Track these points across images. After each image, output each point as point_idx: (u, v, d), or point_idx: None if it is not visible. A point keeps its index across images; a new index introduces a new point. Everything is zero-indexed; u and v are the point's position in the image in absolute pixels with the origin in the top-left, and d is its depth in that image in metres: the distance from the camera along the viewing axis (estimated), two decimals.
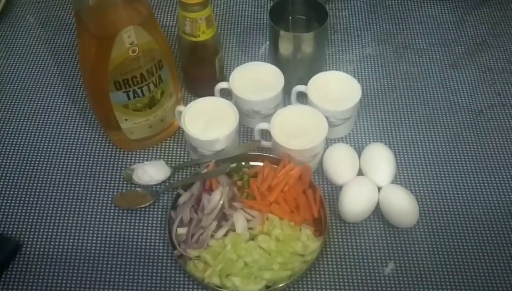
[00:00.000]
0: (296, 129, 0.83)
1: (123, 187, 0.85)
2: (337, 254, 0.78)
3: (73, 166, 0.88)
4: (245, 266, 0.73)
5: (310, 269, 0.76)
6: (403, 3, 1.11)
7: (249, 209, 0.78)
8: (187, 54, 0.90)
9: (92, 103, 0.86)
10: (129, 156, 0.89)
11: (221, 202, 0.78)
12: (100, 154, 0.89)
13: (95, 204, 0.83)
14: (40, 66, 1.01)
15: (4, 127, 0.92)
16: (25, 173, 0.87)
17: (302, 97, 0.91)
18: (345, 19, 1.09)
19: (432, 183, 0.85)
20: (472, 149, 0.89)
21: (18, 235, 0.80)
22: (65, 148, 0.90)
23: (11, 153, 0.89)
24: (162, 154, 0.89)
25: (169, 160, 0.88)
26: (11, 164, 0.88)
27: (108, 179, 0.86)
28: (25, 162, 0.88)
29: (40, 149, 0.90)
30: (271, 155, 0.84)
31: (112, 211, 0.83)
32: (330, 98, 0.86)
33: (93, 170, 0.87)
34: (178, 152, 0.89)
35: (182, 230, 0.78)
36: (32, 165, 0.88)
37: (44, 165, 0.88)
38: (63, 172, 0.87)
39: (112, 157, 0.88)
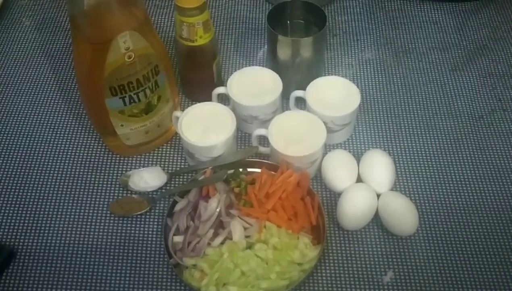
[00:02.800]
0: (294, 135, 0.82)
1: (119, 194, 0.84)
2: (336, 262, 0.77)
3: (68, 172, 0.87)
4: (242, 275, 0.72)
5: (308, 278, 0.75)
6: (402, 7, 1.11)
7: (247, 217, 0.77)
8: (184, 59, 0.89)
9: (88, 108, 0.85)
10: (125, 162, 0.88)
11: (218, 210, 0.77)
12: (96, 160, 0.88)
13: (91, 211, 0.82)
14: (35, 70, 1.00)
15: None
16: (20, 178, 0.86)
17: (301, 103, 0.90)
18: (344, 23, 1.08)
19: (432, 190, 0.84)
20: (472, 155, 0.88)
21: (12, 242, 0.79)
22: (60, 153, 0.89)
23: (5, 158, 0.88)
24: (159, 160, 0.88)
25: (166, 166, 0.87)
26: (5, 169, 0.87)
27: (104, 185, 0.85)
28: (19, 167, 0.87)
29: (35, 154, 0.89)
30: (269, 161, 0.83)
31: (107, 218, 0.82)
32: (328, 103, 0.85)
33: (89, 176, 0.86)
34: (175, 158, 0.88)
35: (178, 238, 0.77)
36: (26, 170, 0.87)
37: (39, 171, 0.87)
38: (58, 177, 0.86)
39: (108, 163, 0.87)
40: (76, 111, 0.94)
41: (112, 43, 0.72)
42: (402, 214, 0.78)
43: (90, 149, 0.89)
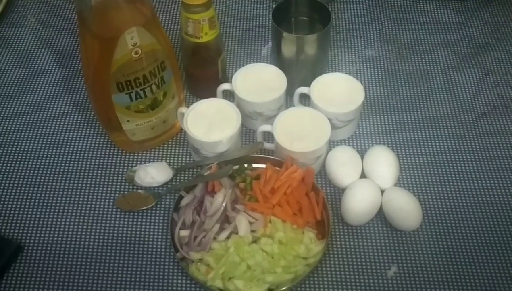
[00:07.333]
0: (299, 131, 0.83)
1: (125, 189, 0.85)
2: (340, 257, 0.78)
3: (75, 167, 0.87)
4: (247, 269, 0.73)
5: (313, 272, 0.75)
6: (405, 5, 1.11)
7: (252, 212, 0.77)
8: (190, 56, 0.90)
9: (94, 104, 0.86)
10: (131, 157, 0.88)
11: (224, 204, 0.77)
12: (102, 155, 0.88)
13: (97, 206, 0.83)
14: (41, 67, 1.01)
15: (5, 128, 0.92)
16: (27, 174, 0.86)
17: (305, 99, 0.91)
18: (348, 20, 1.08)
19: (435, 185, 0.85)
20: (475, 151, 0.89)
21: (19, 236, 0.80)
22: (67, 149, 0.89)
23: (12, 154, 0.89)
24: (164, 156, 0.89)
25: (171, 161, 0.88)
26: (13, 165, 0.88)
27: (110, 180, 0.86)
28: (26, 163, 0.88)
29: (42, 150, 0.89)
30: (273, 157, 0.84)
31: (113, 213, 0.82)
32: (333, 100, 0.86)
33: (95, 172, 0.87)
34: (180, 154, 0.89)
35: (184, 233, 0.77)
36: (33, 166, 0.87)
37: (46, 166, 0.87)
38: (65, 173, 0.87)
39: (114, 158, 0.88)
40: (82, 107, 0.95)
41: (120, 39, 0.72)
42: (406, 209, 0.78)
43: (96, 145, 0.90)
